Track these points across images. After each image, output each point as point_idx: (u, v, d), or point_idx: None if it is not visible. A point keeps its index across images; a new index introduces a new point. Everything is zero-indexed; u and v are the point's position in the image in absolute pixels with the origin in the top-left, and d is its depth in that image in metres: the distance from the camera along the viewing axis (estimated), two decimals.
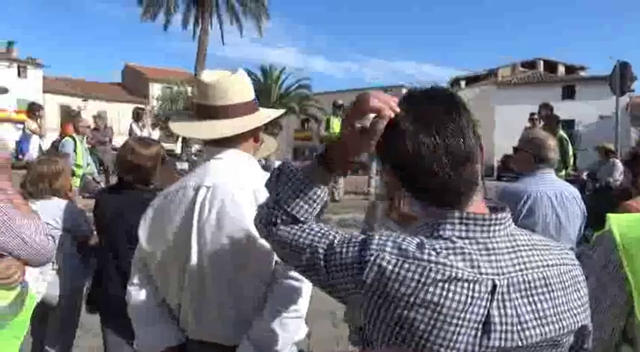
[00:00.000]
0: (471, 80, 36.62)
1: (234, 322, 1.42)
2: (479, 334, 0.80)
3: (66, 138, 7.05)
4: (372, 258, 0.84)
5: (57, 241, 2.39)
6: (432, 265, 0.81)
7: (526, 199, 2.59)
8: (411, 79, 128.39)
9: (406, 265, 0.81)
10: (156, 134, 10.60)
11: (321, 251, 0.92)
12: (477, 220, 0.86)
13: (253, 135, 1.53)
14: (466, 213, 0.87)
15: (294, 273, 1.38)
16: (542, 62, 36.23)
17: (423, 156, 0.85)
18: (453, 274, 0.80)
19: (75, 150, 6.77)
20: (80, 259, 2.78)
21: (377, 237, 0.87)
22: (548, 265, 0.88)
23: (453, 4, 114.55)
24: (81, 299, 2.78)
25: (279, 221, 0.99)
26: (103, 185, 7.30)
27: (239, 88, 1.49)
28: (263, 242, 1.34)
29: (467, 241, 0.85)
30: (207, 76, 1.49)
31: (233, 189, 1.40)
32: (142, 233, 1.51)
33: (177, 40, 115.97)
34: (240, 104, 1.48)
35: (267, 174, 1.52)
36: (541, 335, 0.84)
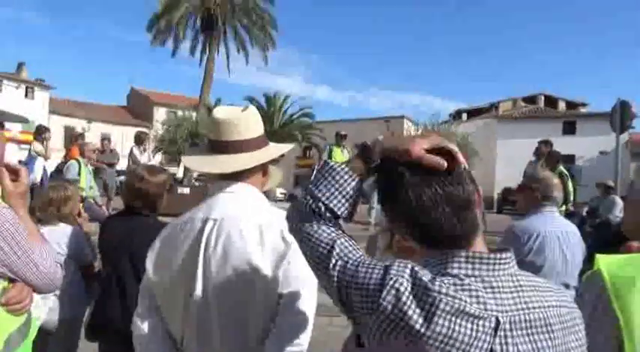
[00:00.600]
0: (473, 113, 37.00)
1: None
2: None
3: (70, 161, 7.10)
4: (391, 282, 0.87)
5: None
6: (442, 296, 0.84)
7: (535, 237, 2.66)
8: (415, 109, 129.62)
9: (420, 293, 0.85)
10: (157, 158, 10.66)
11: (348, 266, 0.94)
12: (483, 259, 0.90)
13: (262, 169, 1.58)
14: (472, 252, 0.91)
15: (299, 307, 1.40)
16: (543, 97, 36.71)
17: (425, 206, 0.90)
18: (461, 307, 0.83)
19: (79, 174, 6.82)
20: (83, 285, 2.79)
21: (397, 264, 0.90)
22: (548, 306, 0.91)
23: (460, 34, 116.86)
24: (81, 326, 2.77)
25: (314, 216, 1.02)
26: (105, 208, 7.30)
27: (250, 124, 1.54)
28: (268, 276, 1.39)
29: (473, 279, 0.88)
30: (219, 112, 1.54)
31: (240, 222, 1.43)
32: (150, 262, 1.54)
33: (185, 65, 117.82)
34: (251, 139, 1.53)
35: (275, 208, 1.58)
36: None
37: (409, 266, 0.89)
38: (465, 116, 35.98)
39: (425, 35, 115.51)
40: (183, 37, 26.54)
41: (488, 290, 0.88)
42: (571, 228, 2.86)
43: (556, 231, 2.72)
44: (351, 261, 0.95)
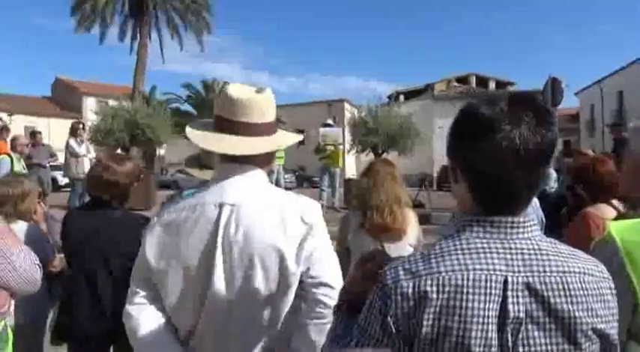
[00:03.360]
0: (410, 94, 37.98)
1: (260, 349, 1.39)
2: (496, 328, 0.84)
3: (1, 156, 6.58)
4: (393, 290, 0.88)
5: None
6: (444, 274, 0.86)
7: None
8: (356, 93, 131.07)
9: (423, 282, 0.87)
10: (93, 149, 10.08)
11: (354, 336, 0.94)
12: (494, 222, 0.91)
13: (274, 154, 1.54)
14: (490, 217, 0.91)
15: (324, 292, 1.38)
16: (474, 77, 38.34)
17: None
18: (465, 276, 0.85)
19: (12, 170, 6.34)
20: (45, 286, 2.59)
21: (388, 271, 0.91)
22: (570, 271, 0.89)
23: (397, 17, 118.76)
24: (44, 329, 2.60)
25: None
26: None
27: (270, 106, 1.49)
28: (293, 262, 1.35)
29: (484, 241, 0.89)
30: (236, 91, 1.45)
31: (260, 207, 1.38)
32: (149, 249, 1.41)
33: (114, 53, 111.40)
34: (269, 123, 1.48)
35: (289, 191, 1.54)
36: (554, 333, 0.86)
37: (400, 266, 0.91)
38: (402, 97, 36.86)
39: (364, 21, 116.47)
40: (110, 22, 25.08)
41: (501, 251, 0.88)
42: None
43: None
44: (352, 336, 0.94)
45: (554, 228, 3.31)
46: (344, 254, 2.78)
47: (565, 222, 2.99)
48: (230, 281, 1.35)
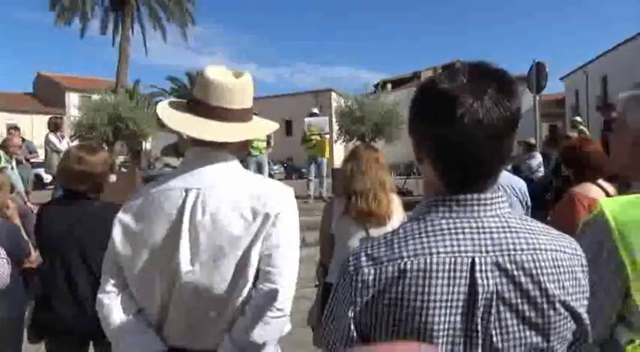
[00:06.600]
0: (397, 83, 37.97)
1: (228, 327, 1.37)
2: (463, 312, 0.81)
3: None
4: (354, 276, 0.86)
5: None
6: (406, 259, 0.83)
7: None
8: (343, 83, 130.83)
9: (384, 268, 0.84)
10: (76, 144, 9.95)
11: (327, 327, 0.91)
12: (460, 201, 0.87)
13: (248, 140, 1.51)
14: (451, 196, 0.87)
15: (279, 274, 1.35)
16: None
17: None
18: (428, 259, 0.82)
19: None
20: (21, 283, 2.51)
21: (351, 258, 0.89)
22: (541, 249, 0.86)
23: (386, 9, 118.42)
24: (22, 327, 2.52)
25: None
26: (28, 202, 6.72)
27: (248, 92, 1.46)
28: (256, 249, 1.33)
29: (450, 221, 0.86)
30: (214, 73, 1.42)
31: (228, 191, 1.35)
32: (118, 237, 1.39)
33: (96, 47, 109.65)
34: (247, 109, 1.46)
35: (258, 175, 1.49)
36: (524, 313, 0.83)
37: (362, 250, 0.88)
38: (389, 86, 36.86)
39: (348, 9, 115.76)
40: (91, 15, 24.59)
41: (467, 231, 0.84)
42: (506, 181, 2.99)
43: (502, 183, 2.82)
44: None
45: (539, 211, 3.31)
46: (327, 239, 2.75)
47: (551, 205, 2.98)
48: (198, 265, 1.32)
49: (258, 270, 1.36)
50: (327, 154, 10.00)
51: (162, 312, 1.39)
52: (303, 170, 19.35)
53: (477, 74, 0.86)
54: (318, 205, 7.44)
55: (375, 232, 2.53)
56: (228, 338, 1.35)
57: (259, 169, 8.63)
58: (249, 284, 1.36)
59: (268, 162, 10.04)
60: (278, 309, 1.35)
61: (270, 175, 9.70)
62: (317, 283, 2.90)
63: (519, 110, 0.87)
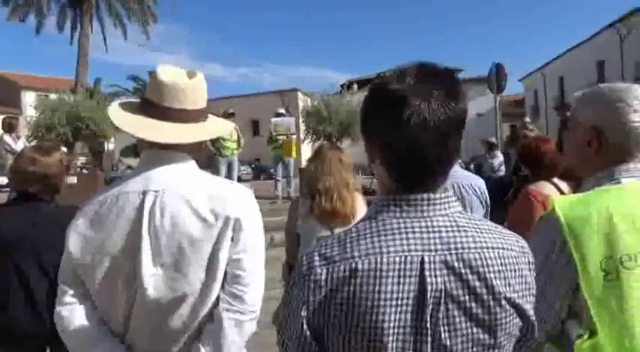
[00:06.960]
0: (363, 83, 38.25)
1: (196, 333, 1.34)
2: (413, 310, 0.83)
3: None
4: (307, 276, 0.86)
5: None
6: (357, 259, 0.84)
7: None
8: (309, 83, 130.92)
9: (336, 268, 0.85)
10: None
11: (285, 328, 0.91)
12: (410, 200, 0.88)
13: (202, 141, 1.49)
14: (400, 196, 0.89)
15: (248, 276, 1.34)
16: None
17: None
18: (379, 259, 0.83)
19: None
20: None
21: (304, 257, 0.90)
22: (489, 247, 0.88)
23: (353, 10, 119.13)
24: None
25: None
26: None
27: (201, 92, 1.43)
28: (226, 245, 1.31)
29: (401, 220, 0.87)
30: (166, 74, 1.38)
31: (187, 192, 1.32)
32: (74, 245, 1.33)
33: (53, 44, 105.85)
34: (200, 110, 1.42)
35: (218, 177, 1.47)
36: (471, 310, 0.84)
37: (316, 251, 0.89)
38: (355, 86, 37.12)
39: (314, 9, 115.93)
40: (47, 11, 23.70)
41: (417, 230, 0.86)
42: (467, 182, 3.04)
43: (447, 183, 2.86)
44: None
45: (498, 211, 3.40)
46: (293, 239, 2.75)
47: (511, 203, 3.06)
48: (160, 268, 1.29)
49: (225, 273, 1.34)
50: (294, 154, 9.99)
51: (125, 321, 1.34)
52: (271, 170, 19.24)
53: (424, 75, 0.88)
54: (286, 206, 7.41)
55: (339, 231, 2.54)
56: (200, 344, 1.32)
57: (230, 169, 8.53)
58: (217, 289, 1.33)
59: None
60: (250, 311, 1.35)
61: (239, 177, 9.57)
62: (284, 283, 2.89)
63: (465, 111, 0.90)
